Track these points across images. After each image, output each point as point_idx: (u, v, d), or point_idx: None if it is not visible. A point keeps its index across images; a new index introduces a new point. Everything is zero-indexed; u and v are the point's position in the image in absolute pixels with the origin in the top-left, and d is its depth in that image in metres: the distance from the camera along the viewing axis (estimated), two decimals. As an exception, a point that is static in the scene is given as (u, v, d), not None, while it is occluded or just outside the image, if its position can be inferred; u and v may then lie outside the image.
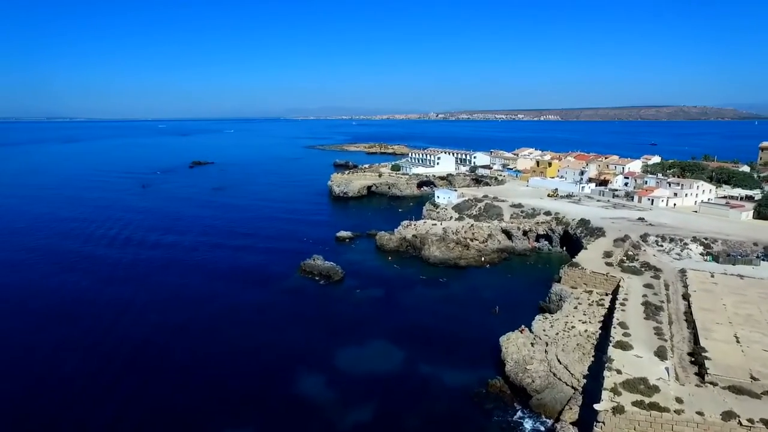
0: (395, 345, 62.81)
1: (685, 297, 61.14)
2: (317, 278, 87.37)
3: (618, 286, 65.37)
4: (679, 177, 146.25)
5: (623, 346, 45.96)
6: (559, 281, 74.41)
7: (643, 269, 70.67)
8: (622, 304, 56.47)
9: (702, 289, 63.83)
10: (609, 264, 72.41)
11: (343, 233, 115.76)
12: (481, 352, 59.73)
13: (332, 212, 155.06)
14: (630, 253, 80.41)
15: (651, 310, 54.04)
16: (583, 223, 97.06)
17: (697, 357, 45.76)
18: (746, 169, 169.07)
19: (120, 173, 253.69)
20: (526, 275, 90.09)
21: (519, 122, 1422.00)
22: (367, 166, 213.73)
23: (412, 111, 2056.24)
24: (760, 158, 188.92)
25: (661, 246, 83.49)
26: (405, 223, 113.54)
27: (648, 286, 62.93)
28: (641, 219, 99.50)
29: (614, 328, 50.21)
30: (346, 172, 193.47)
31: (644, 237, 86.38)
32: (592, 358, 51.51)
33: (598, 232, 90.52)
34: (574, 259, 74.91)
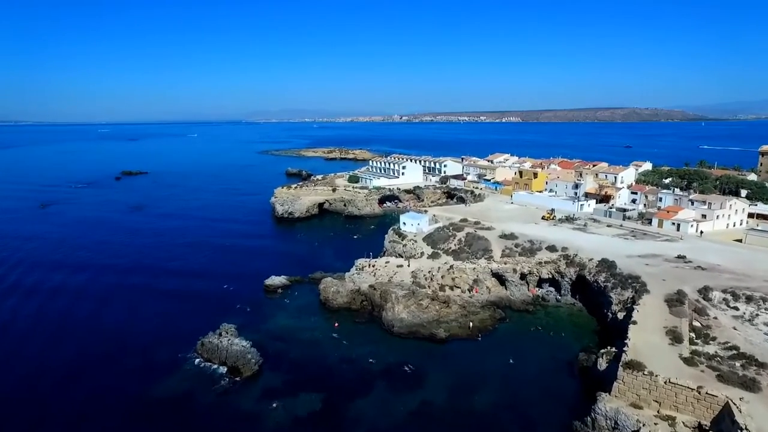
0: None
1: None
2: (219, 372, 55.54)
3: (724, 415, 37.19)
4: (684, 189, 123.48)
5: None
6: (604, 385, 45.92)
7: (744, 370, 42.87)
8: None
9: None
10: (689, 361, 44.01)
11: (275, 280, 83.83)
12: None
13: (270, 241, 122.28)
14: (696, 323, 53.02)
15: None
16: (607, 266, 69.37)
17: None
18: (753, 177, 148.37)
19: (22, 187, 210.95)
20: (536, 351, 61.03)
21: (482, 124, 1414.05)
22: (320, 177, 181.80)
23: (376, 113, 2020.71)
24: (761, 164, 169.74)
25: (735, 308, 56.47)
26: (361, 262, 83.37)
27: (792, 426, 34.79)
28: (681, 257, 72.78)
29: None
30: (294, 186, 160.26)
31: (705, 293, 59.22)
32: None
33: (633, 283, 62.90)
34: (627, 353, 45.51)
